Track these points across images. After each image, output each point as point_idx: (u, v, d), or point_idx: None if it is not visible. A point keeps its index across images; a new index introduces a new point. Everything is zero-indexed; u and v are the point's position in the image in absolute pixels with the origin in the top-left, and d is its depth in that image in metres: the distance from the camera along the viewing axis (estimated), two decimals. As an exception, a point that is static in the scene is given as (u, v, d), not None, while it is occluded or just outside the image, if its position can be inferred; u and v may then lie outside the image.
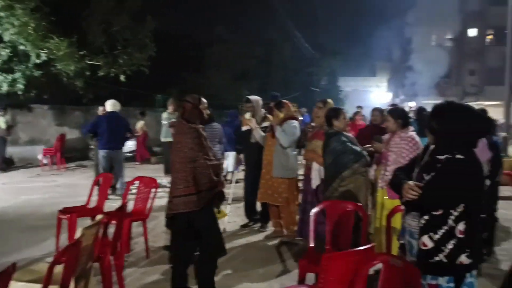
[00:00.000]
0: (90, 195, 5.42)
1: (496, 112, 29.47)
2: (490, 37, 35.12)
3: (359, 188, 4.33)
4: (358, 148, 4.36)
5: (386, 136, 4.53)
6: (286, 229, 5.63)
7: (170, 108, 10.95)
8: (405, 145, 4.10)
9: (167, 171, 10.97)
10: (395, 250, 3.72)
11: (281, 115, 5.54)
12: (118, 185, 8.15)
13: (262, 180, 5.59)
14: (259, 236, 5.77)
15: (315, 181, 5.30)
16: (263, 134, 5.75)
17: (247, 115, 5.87)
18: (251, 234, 5.88)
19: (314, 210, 3.72)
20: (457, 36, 34.47)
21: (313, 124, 5.74)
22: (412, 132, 4.25)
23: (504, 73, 30.87)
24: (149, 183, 5.11)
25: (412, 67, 36.12)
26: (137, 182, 5.33)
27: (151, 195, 5.03)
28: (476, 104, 28.96)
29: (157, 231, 5.97)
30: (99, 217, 3.27)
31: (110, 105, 8.08)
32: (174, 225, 3.89)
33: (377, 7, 47.62)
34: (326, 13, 35.60)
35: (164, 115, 11.01)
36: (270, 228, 5.95)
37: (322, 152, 4.63)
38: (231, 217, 6.41)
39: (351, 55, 37.42)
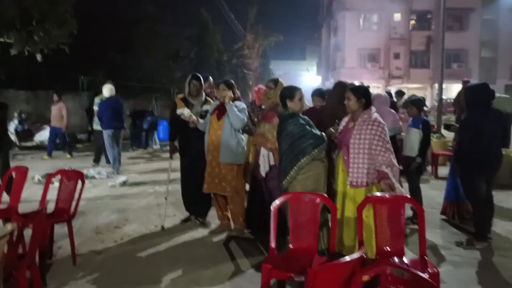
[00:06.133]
0: (1, 193, 4.52)
1: (419, 94, 31.05)
2: (413, 22, 36.47)
3: (318, 176, 3.88)
4: (318, 132, 3.90)
5: (345, 119, 4.11)
6: (234, 222, 5.10)
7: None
8: (375, 131, 3.68)
9: (96, 160, 10.01)
10: (370, 249, 3.34)
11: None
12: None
13: (208, 168, 4.99)
14: (204, 232, 5.18)
15: (263, 168, 4.84)
16: (202, 121, 5.16)
17: (186, 112, 5.16)
18: (194, 229, 5.26)
19: (275, 204, 3.21)
20: (383, 20, 35.39)
21: (262, 106, 5.24)
22: (376, 114, 3.84)
23: (426, 56, 32.35)
24: (74, 177, 4.32)
25: (341, 51, 36.79)
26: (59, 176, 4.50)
27: (77, 190, 4.26)
28: (401, 87, 30.16)
29: (84, 230, 5.19)
30: (9, 227, 2.53)
31: (107, 91, 9.22)
32: None
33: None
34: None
35: (97, 100, 9.81)
36: (214, 221, 5.38)
37: (276, 136, 4.13)
38: (169, 211, 5.78)
39: (282, 37, 37.13)
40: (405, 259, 3.06)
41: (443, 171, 8.48)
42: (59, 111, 11.08)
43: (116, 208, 6.28)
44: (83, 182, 4.25)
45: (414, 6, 34.94)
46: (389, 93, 9.10)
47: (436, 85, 23.64)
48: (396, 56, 36.34)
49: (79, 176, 4.30)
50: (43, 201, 4.10)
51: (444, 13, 13.83)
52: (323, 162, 3.92)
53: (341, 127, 4.04)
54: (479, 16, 34.78)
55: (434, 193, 6.95)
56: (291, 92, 4.05)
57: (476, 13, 34.53)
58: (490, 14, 34.89)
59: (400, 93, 11.15)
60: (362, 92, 3.84)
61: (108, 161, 9.68)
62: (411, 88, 33.81)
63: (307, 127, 3.87)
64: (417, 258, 3.10)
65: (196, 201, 5.48)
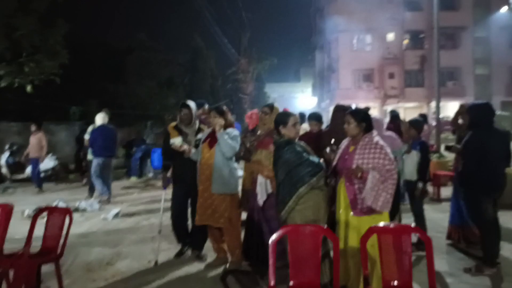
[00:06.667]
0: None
1: (416, 112, 31.20)
2: (406, 41, 36.80)
3: (318, 205, 3.69)
4: (315, 159, 3.72)
5: (345, 142, 3.94)
6: (231, 255, 4.86)
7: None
8: (378, 155, 3.51)
9: (91, 190, 9.72)
10: (376, 280, 3.12)
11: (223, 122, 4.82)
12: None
13: (200, 199, 4.78)
14: (199, 266, 4.92)
15: (261, 197, 4.63)
16: (195, 150, 4.98)
17: (178, 141, 5.04)
18: (189, 264, 5.00)
19: (273, 238, 3.01)
20: (376, 40, 35.67)
21: (258, 132, 5.07)
22: (377, 137, 3.68)
23: (420, 75, 32.52)
24: (61, 213, 4.11)
25: (335, 72, 36.98)
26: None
27: (64, 227, 4.03)
28: (398, 106, 30.15)
29: (75, 268, 4.94)
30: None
31: (99, 119, 9.12)
32: None
33: (298, 10, 48.37)
34: (251, 19, 34.95)
35: (90, 128, 9.56)
36: (211, 254, 5.13)
37: (273, 165, 3.94)
38: (163, 244, 5.52)
39: (276, 60, 37.29)
40: (414, 295, 2.84)
41: (445, 192, 8.28)
42: (39, 141, 10.68)
43: (108, 242, 6.02)
44: (70, 219, 4.04)
45: (406, 26, 35.31)
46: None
47: (432, 104, 23.49)
48: (391, 75, 36.54)
49: (66, 213, 4.09)
50: (29, 241, 3.88)
51: (437, 33, 13.86)
52: (322, 190, 3.73)
53: (340, 151, 3.86)
54: (471, 34, 35.14)
55: (437, 216, 6.74)
56: (284, 118, 3.89)
57: (468, 31, 34.90)
58: (482, 32, 35.25)
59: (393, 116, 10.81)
60: (362, 116, 3.69)
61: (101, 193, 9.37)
62: (408, 108, 33.87)
63: (304, 154, 3.70)
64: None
65: (191, 232, 5.26)
